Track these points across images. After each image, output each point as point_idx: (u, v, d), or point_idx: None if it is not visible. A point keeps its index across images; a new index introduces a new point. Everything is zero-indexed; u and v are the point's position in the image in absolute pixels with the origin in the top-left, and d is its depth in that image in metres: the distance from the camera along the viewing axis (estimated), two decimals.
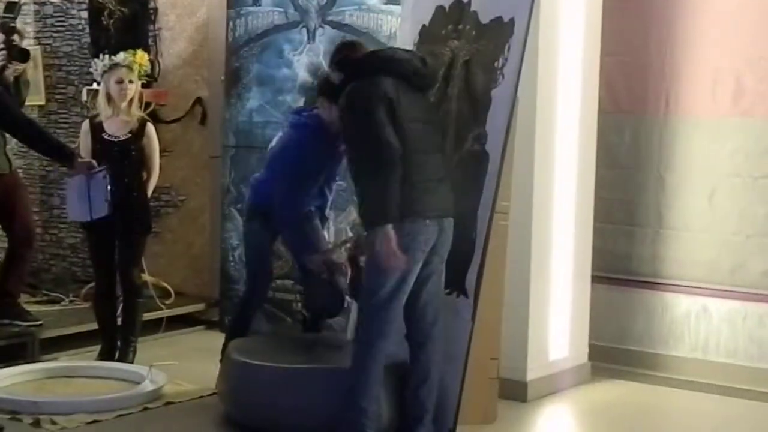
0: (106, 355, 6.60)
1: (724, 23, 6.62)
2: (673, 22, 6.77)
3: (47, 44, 8.28)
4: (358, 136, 4.82)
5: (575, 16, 6.37)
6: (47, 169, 8.32)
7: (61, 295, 7.72)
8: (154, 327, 7.32)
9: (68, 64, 8.22)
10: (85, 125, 6.60)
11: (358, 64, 5.00)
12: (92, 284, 7.00)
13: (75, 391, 6.11)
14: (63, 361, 6.69)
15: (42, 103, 8.21)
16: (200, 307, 7.88)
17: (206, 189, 8.05)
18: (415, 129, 4.90)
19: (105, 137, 6.46)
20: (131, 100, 6.55)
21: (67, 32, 8.24)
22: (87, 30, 8.07)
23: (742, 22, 6.57)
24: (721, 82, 6.64)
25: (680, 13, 6.75)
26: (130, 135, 6.52)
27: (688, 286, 6.80)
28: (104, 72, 6.52)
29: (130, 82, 6.53)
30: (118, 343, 6.61)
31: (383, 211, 4.70)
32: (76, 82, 8.14)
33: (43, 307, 7.50)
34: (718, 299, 6.70)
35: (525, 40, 5.19)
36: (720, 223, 6.68)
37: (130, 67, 6.56)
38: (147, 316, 7.01)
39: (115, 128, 6.50)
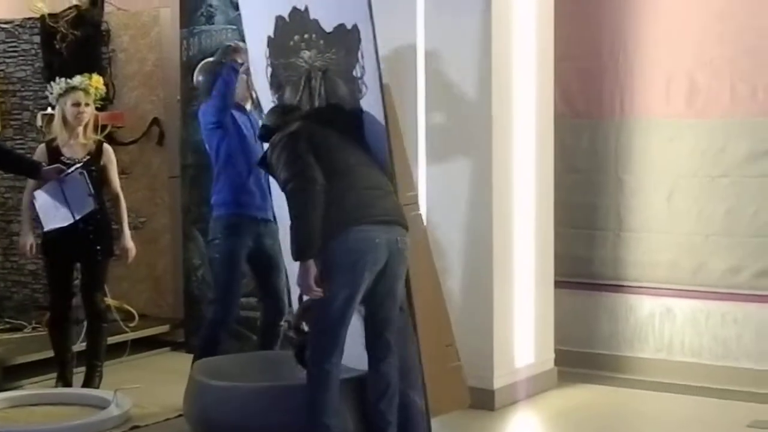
0: (61, 381, 6.55)
1: (676, 25, 6.67)
2: (625, 26, 6.81)
3: (0, 70, 8.22)
4: (283, 175, 4.90)
5: (528, 23, 6.39)
6: (5, 196, 8.24)
7: (23, 323, 7.67)
8: (119, 350, 7.27)
9: (22, 89, 8.16)
10: (41, 149, 6.54)
11: (273, 128, 5.12)
12: None
13: (40, 420, 6.06)
14: (27, 389, 6.64)
15: None
16: (165, 328, 7.86)
17: (166, 210, 8.03)
18: (345, 151, 5.00)
19: (64, 161, 6.42)
20: (86, 124, 6.52)
21: (20, 57, 8.18)
22: (40, 54, 8.03)
23: (693, 24, 6.62)
24: (674, 84, 6.69)
25: (632, 16, 6.80)
26: (88, 157, 6.49)
27: (650, 288, 6.83)
28: (60, 95, 6.48)
29: (86, 105, 6.50)
30: (73, 367, 6.57)
31: (306, 246, 4.80)
32: (30, 107, 8.07)
33: (5, 335, 7.47)
34: (680, 299, 6.74)
35: (375, 47, 5.09)
36: (679, 224, 6.72)
37: (86, 91, 6.52)
38: (111, 339, 6.97)
39: (73, 152, 6.46)
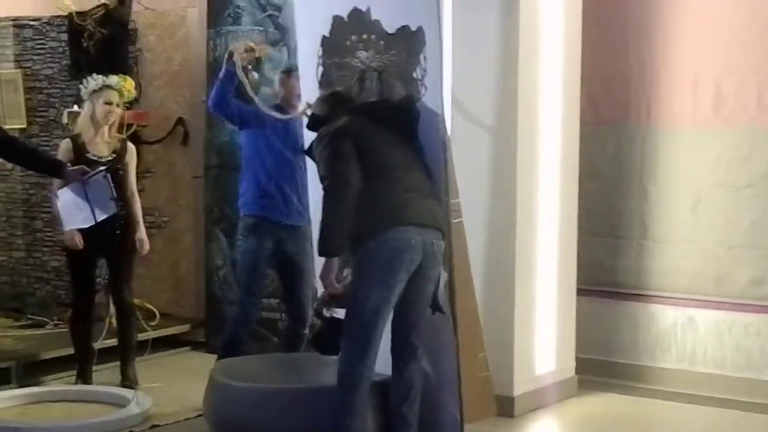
0: (81, 378, 6.58)
1: (703, 32, 6.64)
2: (652, 32, 6.78)
3: (27, 67, 8.24)
4: (322, 171, 4.95)
5: (555, 29, 6.36)
6: (30, 192, 8.28)
7: (45, 319, 7.69)
8: (140, 349, 7.23)
9: (49, 86, 8.18)
10: (67, 144, 6.56)
11: (323, 117, 5.15)
12: None
13: (60, 416, 6.07)
14: (47, 386, 6.65)
15: (23, 126, 8.17)
16: (186, 328, 7.87)
17: (189, 209, 8.04)
18: (391, 150, 5.00)
19: (90, 158, 6.44)
20: (112, 124, 6.56)
21: (47, 55, 8.20)
22: (67, 52, 8.04)
23: (720, 30, 6.59)
24: (701, 92, 6.65)
25: (659, 23, 6.76)
26: (114, 155, 6.52)
27: (673, 298, 6.79)
28: (93, 91, 6.52)
29: (117, 105, 6.56)
30: (93, 364, 6.62)
31: (329, 244, 4.86)
32: (56, 105, 8.09)
33: (27, 331, 7.49)
34: (703, 310, 6.69)
35: (441, 49, 5.11)
36: (704, 234, 6.68)
37: (120, 92, 6.59)
38: None
39: (99, 150, 6.51)
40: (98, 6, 7.90)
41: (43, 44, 8.22)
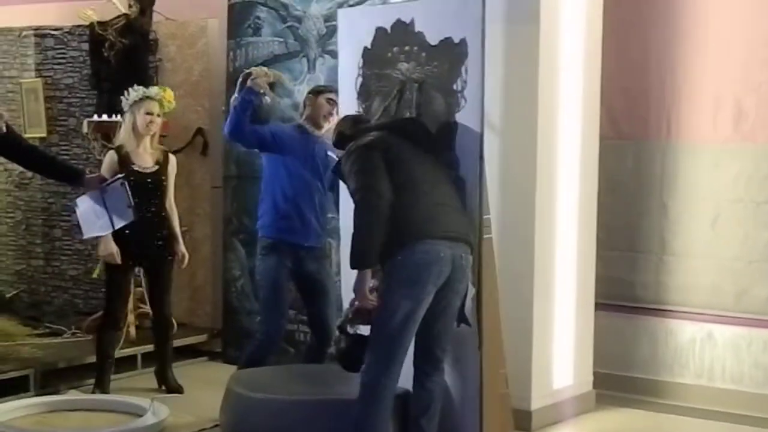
0: (99, 387, 6.59)
1: (725, 49, 6.62)
2: (674, 48, 6.77)
3: (48, 76, 8.30)
4: (353, 184, 4.95)
5: (575, 43, 6.36)
6: (49, 201, 8.32)
7: (62, 328, 7.69)
8: None
9: (69, 95, 8.23)
10: (112, 155, 6.57)
11: (352, 134, 5.17)
12: (94, 316, 6.97)
13: (77, 425, 6.08)
14: (64, 395, 6.65)
15: (43, 135, 8.23)
16: (203, 338, 7.88)
17: (208, 220, 8.06)
18: (420, 163, 5.02)
19: (136, 169, 6.49)
20: (153, 135, 6.62)
21: (68, 64, 8.25)
22: (88, 62, 8.08)
23: (742, 47, 6.57)
24: (722, 108, 6.64)
25: (680, 38, 6.75)
26: (158, 167, 6.58)
27: (692, 313, 6.77)
28: (135, 102, 6.55)
29: (158, 116, 6.61)
30: (111, 374, 6.66)
31: (362, 257, 4.83)
32: (77, 114, 8.14)
33: (44, 340, 7.50)
34: (722, 325, 6.67)
35: (483, 61, 5.12)
36: (723, 249, 6.66)
37: (160, 102, 6.65)
38: (149, 347, 7.01)
39: (143, 160, 6.56)
40: (119, 16, 7.92)
41: (64, 53, 8.27)
